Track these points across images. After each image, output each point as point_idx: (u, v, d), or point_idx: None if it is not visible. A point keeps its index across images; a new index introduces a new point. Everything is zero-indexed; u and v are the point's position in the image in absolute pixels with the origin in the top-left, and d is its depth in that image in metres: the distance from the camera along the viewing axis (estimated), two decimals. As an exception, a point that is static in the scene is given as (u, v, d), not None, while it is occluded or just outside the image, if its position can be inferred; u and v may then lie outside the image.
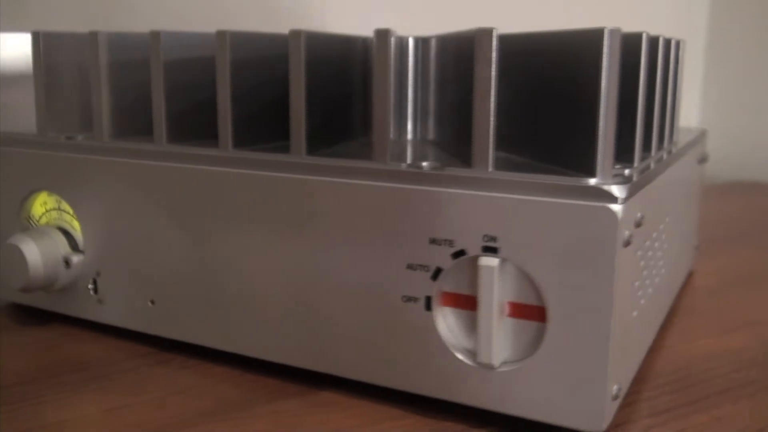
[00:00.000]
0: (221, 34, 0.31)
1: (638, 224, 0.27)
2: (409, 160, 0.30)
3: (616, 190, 0.25)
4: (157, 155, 0.33)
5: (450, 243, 0.27)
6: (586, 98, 0.26)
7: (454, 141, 0.32)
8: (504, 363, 0.27)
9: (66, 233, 0.37)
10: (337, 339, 0.30)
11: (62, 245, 0.36)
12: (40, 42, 0.36)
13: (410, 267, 0.28)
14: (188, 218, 0.33)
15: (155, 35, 0.33)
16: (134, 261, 0.35)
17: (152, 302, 0.35)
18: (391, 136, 0.37)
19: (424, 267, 0.28)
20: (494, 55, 0.26)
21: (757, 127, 0.87)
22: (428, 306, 0.28)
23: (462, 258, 0.27)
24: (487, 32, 0.26)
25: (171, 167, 0.33)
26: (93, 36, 0.35)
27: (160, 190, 0.33)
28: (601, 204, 0.25)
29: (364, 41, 0.37)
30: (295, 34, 0.30)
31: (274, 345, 0.32)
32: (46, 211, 0.38)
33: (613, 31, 0.25)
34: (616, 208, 0.25)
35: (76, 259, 0.36)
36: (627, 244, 0.25)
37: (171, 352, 0.35)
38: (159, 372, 0.33)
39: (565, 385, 0.26)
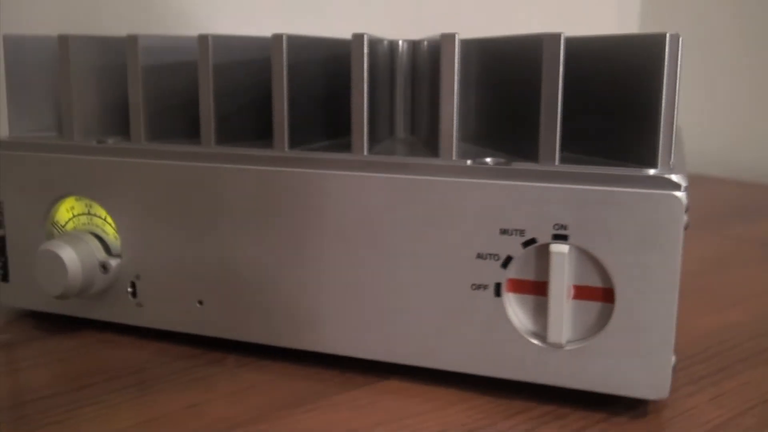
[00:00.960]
0: (277, 38, 0.32)
1: (686, 210, 0.30)
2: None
3: (679, 179, 0.28)
4: (205, 157, 0.34)
5: (521, 232, 0.29)
6: (648, 97, 0.28)
7: (499, 138, 0.34)
8: (569, 342, 0.30)
9: (98, 238, 0.37)
10: (405, 328, 0.32)
11: (97, 250, 0.36)
12: (67, 45, 0.36)
13: (480, 256, 0.30)
14: (242, 218, 0.33)
15: (203, 39, 0.33)
16: (179, 263, 0.35)
17: (200, 303, 0.35)
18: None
19: (494, 256, 0.30)
20: (561, 59, 0.28)
21: (693, 127, 0.93)
22: (497, 292, 0.30)
23: (532, 246, 0.29)
24: (555, 37, 0.28)
25: (222, 168, 0.33)
26: (132, 39, 0.35)
27: (210, 191, 0.34)
28: (666, 192, 0.27)
29: (391, 44, 0.38)
30: (358, 37, 0.31)
31: (338, 338, 0.33)
32: (74, 216, 0.37)
33: (673, 36, 0.28)
34: (680, 195, 0.27)
35: (114, 263, 0.36)
36: (686, 227, 0.28)
37: (219, 352, 0.35)
38: (216, 371, 0.33)
39: (632, 359, 0.29)
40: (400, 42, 0.40)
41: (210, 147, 0.34)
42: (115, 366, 0.34)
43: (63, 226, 0.38)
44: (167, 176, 0.34)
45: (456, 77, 0.30)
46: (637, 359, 0.29)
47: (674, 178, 0.28)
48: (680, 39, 0.28)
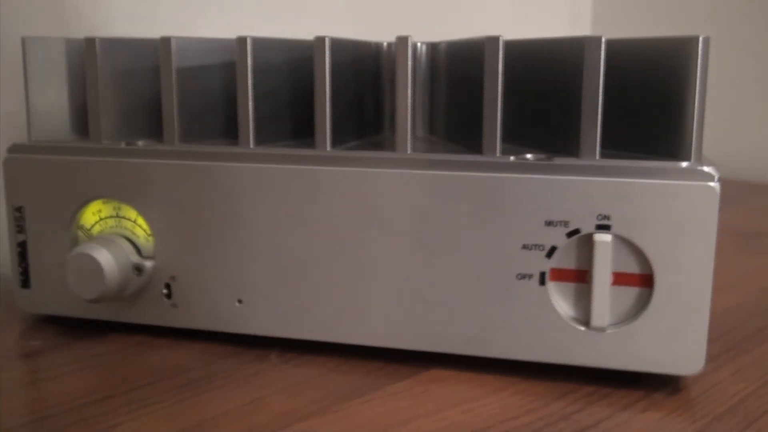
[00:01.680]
0: (320, 40, 0.33)
1: (712, 199, 0.32)
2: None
3: (712, 171, 0.30)
4: (245, 157, 0.34)
5: (565, 224, 0.31)
6: (680, 95, 0.30)
7: (533, 135, 0.35)
8: (610, 325, 0.32)
9: (128, 240, 0.37)
10: (452, 319, 0.33)
11: (130, 252, 0.36)
12: (95, 48, 0.36)
13: (525, 247, 0.32)
14: (284, 216, 0.34)
15: (242, 41, 0.34)
16: (218, 262, 0.35)
17: (240, 301, 0.35)
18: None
19: (539, 246, 0.32)
20: (602, 62, 0.30)
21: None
22: (542, 281, 0.32)
23: (576, 236, 0.31)
24: (596, 40, 0.30)
25: (264, 168, 0.34)
26: (165, 42, 0.35)
27: (251, 191, 0.34)
28: (702, 183, 0.30)
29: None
30: (402, 40, 0.32)
31: (385, 330, 0.34)
32: (101, 219, 0.37)
33: (704, 39, 0.30)
34: (714, 185, 0.30)
35: (148, 265, 0.36)
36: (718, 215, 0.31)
37: (259, 349, 0.36)
38: (263, 368, 0.34)
39: (669, 338, 0.31)
40: (419, 44, 0.41)
41: (249, 147, 0.35)
42: (160, 368, 0.34)
43: (89, 230, 0.37)
44: (205, 177, 0.35)
45: (500, 79, 0.31)
46: (674, 339, 0.31)
47: (709, 170, 0.30)
48: (709, 41, 0.30)
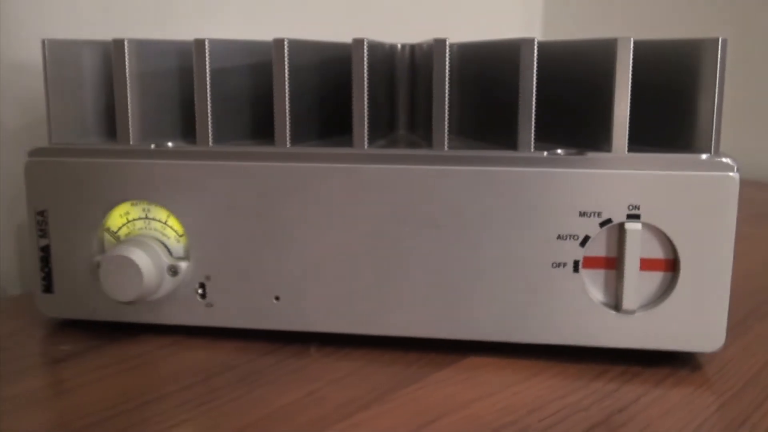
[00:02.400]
0: (358, 42, 0.34)
1: (724, 189, 0.35)
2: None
3: (733, 162, 0.32)
4: (282, 156, 0.35)
5: (598, 214, 0.33)
6: (701, 93, 0.33)
7: (558, 130, 0.37)
8: (638, 308, 0.34)
9: (159, 242, 0.37)
10: (488, 307, 0.34)
11: (164, 254, 0.36)
12: (123, 49, 0.36)
13: (560, 237, 0.34)
14: (322, 213, 0.35)
15: (279, 43, 0.34)
16: (254, 261, 0.36)
17: (277, 299, 0.36)
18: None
19: (573, 236, 0.34)
20: (631, 63, 0.32)
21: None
22: (576, 269, 0.34)
23: (608, 225, 0.33)
24: (626, 41, 0.32)
25: (302, 167, 0.35)
26: (200, 43, 0.35)
27: (288, 189, 0.35)
28: (724, 173, 0.32)
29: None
30: (440, 42, 0.34)
31: (420, 321, 0.35)
32: (128, 221, 0.37)
33: (723, 41, 0.32)
34: (734, 175, 0.32)
35: (183, 265, 0.36)
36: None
37: (296, 345, 0.36)
38: (306, 362, 0.35)
39: (693, 318, 0.33)
40: (399, 45, 0.43)
41: (285, 147, 0.35)
42: (203, 366, 0.34)
43: (116, 233, 0.37)
44: (242, 177, 0.35)
45: (534, 79, 0.33)
46: (697, 318, 0.33)
47: (728, 161, 0.32)
48: (727, 42, 0.33)
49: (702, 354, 0.35)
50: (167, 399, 0.31)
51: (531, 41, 0.33)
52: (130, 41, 0.36)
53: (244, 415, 0.30)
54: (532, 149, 0.34)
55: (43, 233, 0.37)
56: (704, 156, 0.33)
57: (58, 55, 0.37)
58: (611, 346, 0.34)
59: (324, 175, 0.35)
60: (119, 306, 0.37)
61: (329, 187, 0.35)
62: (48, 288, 0.38)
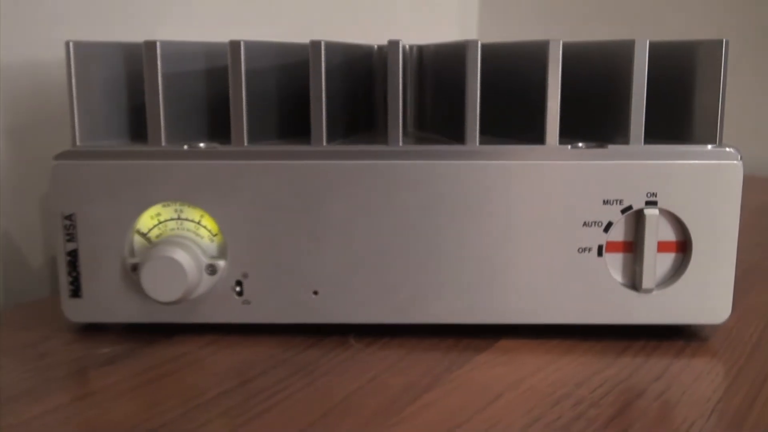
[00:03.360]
0: (393, 44, 0.36)
1: (722, 176, 0.38)
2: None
3: (735, 151, 0.36)
4: (318, 155, 0.36)
5: (620, 202, 0.36)
6: (708, 90, 0.36)
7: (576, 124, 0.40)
8: (655, 287, 0.37)
9: (193, 242, 0.37)
10: (518, 292, 0.37)
11: (201, 253, 0.37)
12: (155, 50, 0.36)
13: (586, 224, 0.36)
14: (358, 207, 0.36)
15: (316, 44, 0.36)
16: (292, 257, 0.37)
17: (315, 293, 0.37)
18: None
19: (597, 223, 0.36)
20: (646, 63, 0.36)
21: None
22: (600, 253, 0.37)
23: (628, 212, 0.36)
24: (642, 42, 0.35)
25: (336, 164, 0.36)
26: (235, 45, 0.36)
27: (325, 186, 0.36)
28: (730, 162, 0.36)
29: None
30: (473, 43, 0.36)
31: (454, 308, 0.37)
32: (159, 222, 0.37)
33: (726, 42, 0.36)
34: (738, 163, 0.36)
35: (221, 264, 0.37)
36: (737, 189, 0.37)
37: (335, 337, 0.37)
38: (352, 353, 0.36)
39: (703, 294, 0.37)
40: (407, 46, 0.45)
41: (322, 145, 0.37)
42: (252, 362, 0.35)
43: (146, 234, 0.37)
44: (279, 175, 0.36)
45: (560, 79, 0.36)
46: (707, 294, 0.37)
47: (732, 150, 0.36)
48: (729, 44, 0.36)
49: (705, 327, 0.39)
50: (232, 395, 0.32)
51: (557, 42, 0.35)
52: (163, 43, 0.36)
53: (315, 404, 0.31)
54: (557, 143, 0.36)
55: (70, 237, 0.37)
56: (711, 146, 0.36)
57: (83, 56, 0.37)
58: (633, 323, 0.37)
59: (359, 171, 0.36)
60: (153, 308, 0.37)
61: (364, 182, 0.36)
62: (76, 293, 0.37)
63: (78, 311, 0.38)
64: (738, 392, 0.32)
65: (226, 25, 0.61)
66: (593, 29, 0.98)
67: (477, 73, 0.36)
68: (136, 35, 0.53)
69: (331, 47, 0.36)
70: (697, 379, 0.33)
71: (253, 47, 0.37)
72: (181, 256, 0.35)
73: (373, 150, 0.36)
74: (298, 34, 0.67)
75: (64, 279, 0.37)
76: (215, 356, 0.35)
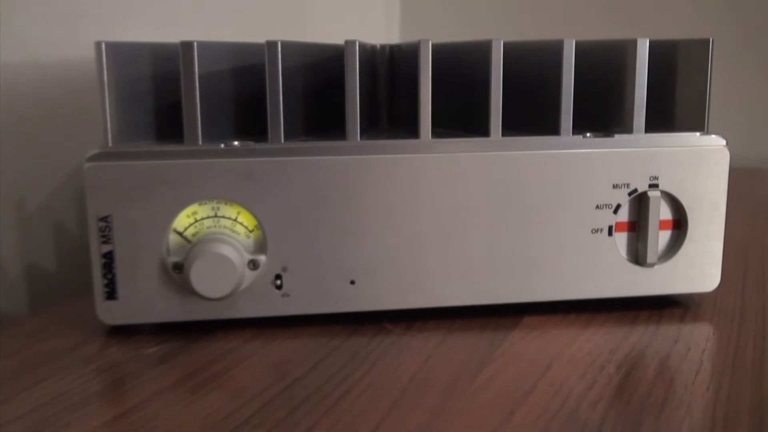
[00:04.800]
0: (425, 44, 0.38)
1: (704, 161, 0.43)
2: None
3: (722, 138, 0.41)
4: (352, 150, 0.38)
5: (627, 185, 0.40)
6: (697, 83, 0.41)
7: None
8: (657, 261, 0.41)
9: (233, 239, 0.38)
10: (538, 272, 0.40)
11: (244, 249, 0.37)
12: (192, 51, 0.36)
13: (598, 207, 0.40)
14: (392, 199, 0.38)
15: (351, 44, 0.37)
16: (330, 249, 0.38)
17: (352, 282, 0.39)
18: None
19: (608, 205, 0.40)
20: (646, 60, 0.39)
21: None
22: (610, 233, 0.40)
23: (634, 195, 0.40)
24: (644, 42, 0.39)
25: (369, 159, 0.38)
26: (272, 45, 0.37)
27: (360, 180, 0.38)
28: (719, 146, 0.40)
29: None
30: (497, 43, 0.38)
31: (481, 290, 0.40)
32: (196, 221, 0.38)
33: (713, 41, 0.41)
34: (725, 147, 0.41)
35: (263, 259, 0.38)
36: (722, 171, 0.42)
37: (370, 324, 0.39)
38: (392, 339, 0.38)
39: (697, 265, 0.41)
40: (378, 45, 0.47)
41: (357, 141, 0.38)
42: (304, 354, 0.36)
43: (182, 233, 0.38)
44: (316, 171, 0.37)
45: (573, 76, 0.39)
46: (700, 265, 0.41)
47: (719, 137, 0.41)
48: (714, 42, 0.41)
49: (694, 295, 0.43)
50: (303, 383, 0.33)
51: (570, 42, 0.39)
52: (199, 43, 0.37)
53: (385, 387, 0.32)
54: (571, 134, 0.40)
55: (106, 239, 0.37)
56: (699, 134, 0.41)
57: (116, 57, 0.37)
58: (638, 295, 0.41)
59: (390, 165, 0.38)
60: (191, 306, 0.38)
61: (396, 175, 0.38)
62: (111, 295, 0.37)
63: (114, 314, 0.37)
64: (747, 344, 0.36)
65: (164, 24, 0.61)
66: (515, 28, 1.04)
67: (500, 72, 0.39)
68: (91, 34, 0.52)
69: (362, 48, 0.38)
70: (708, 339, 0.37)
71: (287, 48, 0.38)
72: (229, 252, 0.36)
73: (403, 144, 0.38)
74: (225, 33, 0.67)
75: (98, 282, 0.37)
76: (264, 350, 0.36)
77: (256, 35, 0.72)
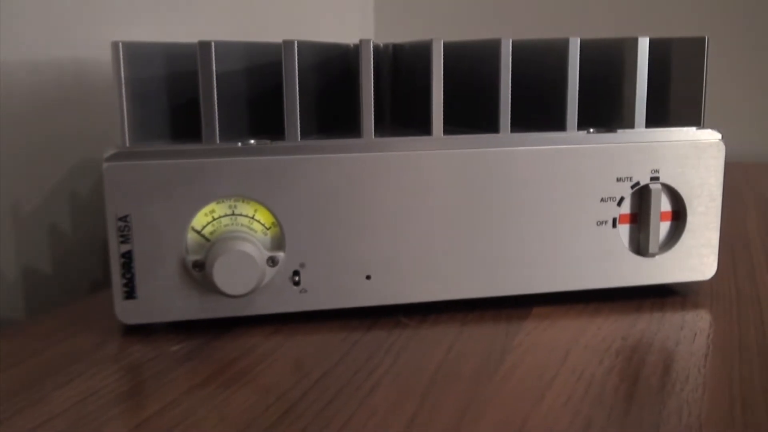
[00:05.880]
0: (438, 42, 0.39)
1: (698, 154, 0.45)
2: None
3: (717, 132, 0.42)
4: (367, 147, 0.39)
5: (630, 179, 0.41)
6: (694, 79, 0.43)
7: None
8: (658, 251, 0.43)
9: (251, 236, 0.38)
10: (547, 264, 0.41)
11: (262, 247, 0.38)
12: (210, 51, 0.37)
13: (603, 200, 0.41)
14: (406, 195, 0.39)
15: (366, 43, 0.38)
16: (346, 244, 0.39)
17: (368, 277, 0.39)
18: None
19: (612, 198, 0.41)
20: (646, 59, 0.41)
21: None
22: (614, 225, 0.42)
23: (636, 188, 0.42)
24: (644, 41, 0.41)
25: (383, 155, 0.39)
26: (289, 45, 0.37)
27: (373, 177, 0.39)
28: (715, 140, 0.42)
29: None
30: (505, 43, 0.39)
31: (492, 282, 0.41)
32: (213, 219, 0.38)
33: (708, 39, 0.42)
34: (721, 142, 0.42)
35: (281, 256, 0.38)
36: (716, 163, 0.43)
37: (387, 319, 0.40)
38: (410, 331, 0.39)
39: (695, 254, 0.43)
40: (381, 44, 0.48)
41: (371, 138, 0.39)
42: (328, 348, 0.37)
43: (200, 231, 0.38)
44: (333, 168, 0.38)
45: (577, 75, 0.40)
46: (698, 254, 0.43)
47: (715, 131, 0.42)
48: (709, 40, 0.43)
49: (689, 283, 0.45)
50: (334, 376, 0.33)
51: (576, 41, 0.40)
52: (217, 43, 0.37)
53: (415, 376, 0.33)
54: (576, 130, 0.41)
55: (125, 239, 0.37)
56: (696, 129, 0.43)
57: (133, 57, 0.37)
58: (642, 284, 0.43)
59: (406, 161, 0.39)
60: (211, 303, 0.38)
61: (410, 171, 0.39)
62: (130, 294, 0.37)
63: (132, 313, 0.38)
64: (749, 328, 0.38)
65: (140, 23, 0.61)
66: (488, 27, 1.06)
67: (509, 70, 0.40)
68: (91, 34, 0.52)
69: (376, 49, 0.39)
70: (711, 325, 0.39)
71: (303, 47, 0.38)
72: (251, 249, 0.36)
73: (417, 141, 0.39)
74: (197, 31, 0.67)
75: (117, 281, 0.37)
76: (286, 345, 0.37)
77: (229, 33, 0.72)
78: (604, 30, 1.00)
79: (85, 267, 0.51)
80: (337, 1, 1.00)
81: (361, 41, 0.38)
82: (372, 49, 0.38)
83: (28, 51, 0.46)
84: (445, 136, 0.40)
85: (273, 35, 0.80)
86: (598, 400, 0.31)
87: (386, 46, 0.49)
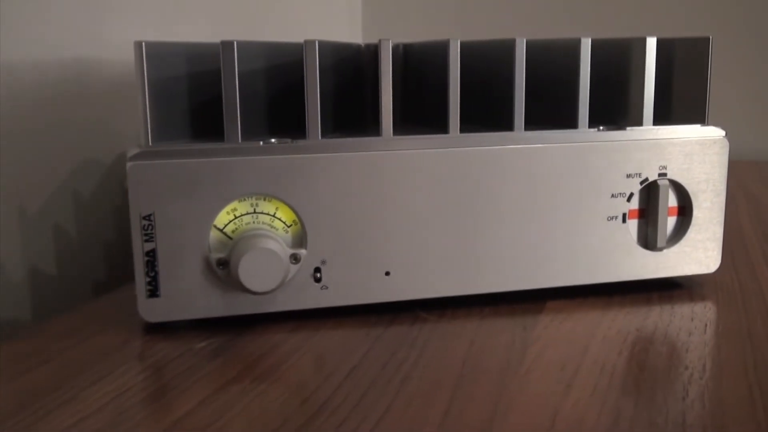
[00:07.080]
0: (455, 42, 0.39)
1: (701, 151, 0.46)
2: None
3: (721, 130, 0.44)
4: (387, 145, 0.39)
5: (639, 175, 0.43)
6: (699, 78, 0.44)
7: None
8: (665, 245, 0.44)
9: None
10: (559, 259, 0.42)
11: (285, 244, 0.38)
12: (234, 52, 0.37)
13: (613, 196, 0.42)
14: (424, 192, 0.40)
15: (385, 42, 0.39)
16: (367, 241, 0.39)
17: (387, 273, 0.40)
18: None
19: (622, 194, 0.42)
20: (654, 58, 0.42)
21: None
22: (624, 220, 0.43)
23: (645, 183, 0.43)
24: (651, 41, 0.42)
25: (403, 153, 0.39)
26: (311, 44, 0.38)
27: (393, 174, 0.39)
28: (720, 137, 0.43)
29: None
30: (520, 42, 0.40)
31: (508, 277, 0.41)
32: (235, 218, 0.38)
33: (711, 39, 0.44)
34: (725, 138, 0.44)
35: (304, 253, 0.39)
36: (719, 160, 0.45)
37: (406, 314, 0.41)
38: (431, 326, 0.39)
39: (701, 248, 0.44)
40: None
41: (391, 137, 0.39)
42: (353, 343, 0.37)
43: (222, 229, 0.38)
44: (353, 166, 0.39)
45: (588, 72, 0.41)
46: (703, 248, 0.44)
47: (719, 129, 0.44)
48: (713, 40, 0.44)
49: (694, 276, 0.46)
50: (363, 370, 0.34)
51: (587, 41, 0.41)
52: (239, 43, 0.37)
53: (443, 370, 0.34)
54: (587, 127, 0.42)
55: (149, 237, 0.37)
56: (703, 126, 0.44)
57: (156, 56, 0.37)
58: (650, 278, 0.44)
59: (424, 158, 0.40)
60: (234, 301, 0.38)
61: (428, 168, 0.40)
62: (154, 292, 0.38)
63: (156, 311, 0.38)
64: (756, 318, 0.39)
65: (127, 22, 0.61)
66: (475, 27, 1.07)
67: (523, 69, 0.41)
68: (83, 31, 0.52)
69: (396, 50, 0.39)
70: (720, 316, 0.40)
71: (323, 47, 0.39)
72: (275, 246, 0.37)
73: (433, 139, 0.40)
74: (182, 31, 0.67)
75: (141, 280, 0.37)
76: (310, 342, 0.37)
77: (216, 34, 0.72)
78: (605, 30, 1.02)
79: (89, 266, 0.51)
80: (325, 1, 1.00)
81: (380, 41, 0.39)
82: (390, 52, 0.39)
83: (31, 51, 0.46)
84: (462, 134, 0.40)
85: (260, 34, 0.80)
86: (623, 389, 0.32)
87: (396, 45, 0.49)
